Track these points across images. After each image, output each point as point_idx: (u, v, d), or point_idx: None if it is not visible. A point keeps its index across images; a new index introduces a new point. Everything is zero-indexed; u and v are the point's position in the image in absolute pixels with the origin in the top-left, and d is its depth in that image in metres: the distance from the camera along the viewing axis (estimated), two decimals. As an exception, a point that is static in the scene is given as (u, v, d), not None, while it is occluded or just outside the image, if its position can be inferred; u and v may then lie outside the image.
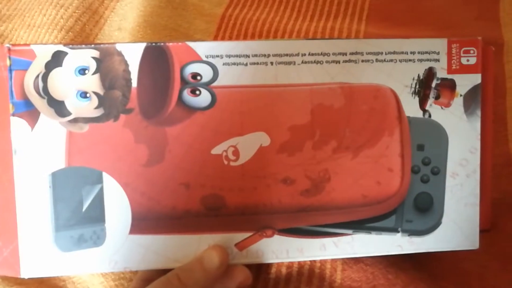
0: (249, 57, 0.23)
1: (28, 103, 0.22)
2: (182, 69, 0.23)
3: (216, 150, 0.23)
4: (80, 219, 0.23)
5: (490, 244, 0.28)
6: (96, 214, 0.23)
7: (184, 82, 0.23)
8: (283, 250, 0.24)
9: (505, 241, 0.28)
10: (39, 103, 0.22)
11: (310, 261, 0.27)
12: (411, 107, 0.25)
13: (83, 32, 0.38)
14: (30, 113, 0.22)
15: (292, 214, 0.24)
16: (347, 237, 0.25)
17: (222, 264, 0.22)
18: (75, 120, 0.23)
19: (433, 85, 0.25)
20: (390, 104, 0.24)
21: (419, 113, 0.25)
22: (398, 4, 0.39)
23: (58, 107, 0.23)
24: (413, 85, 0.25)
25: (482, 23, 0.37)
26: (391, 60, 0.24)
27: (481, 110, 0.25)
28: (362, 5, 0.39)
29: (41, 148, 0.23)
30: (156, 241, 0.23)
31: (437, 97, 0.25)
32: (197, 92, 0.23)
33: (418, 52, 0.24)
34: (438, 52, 0.24)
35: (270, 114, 0.24)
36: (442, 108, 0.25)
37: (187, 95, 0.23)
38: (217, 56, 0.23)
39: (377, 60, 0.24)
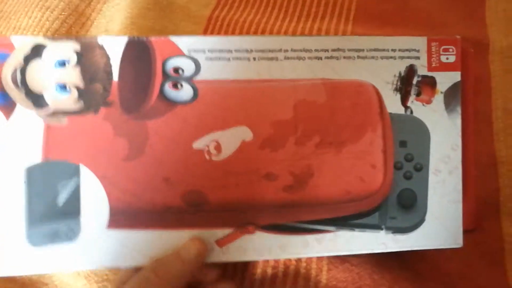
0: (231, 52, 0.23)
1: (5, 96, 0.22)
2: (164, 63, 0.23)
3: (198, 145, 0.23)
4: (55, 213, 0.22)
5: (474, 243, 0.28)
6: (71, 209, 0.22)
7: (166, 76, 0.23)
8: (265, 248, 0.24)
9: (490, 241, 0.28)
10: (16, 95, 0.22)
11: (296, 261, 0.27)
12: (393, 104, 0.25)
13: (69, 34, 0.38)
14: (6, 105, 0.22)
15: (274, 210, 0.24)
16: (330, 234, 0.24)
17: (199, 254, 0.22)
18: (54, 113, 0.22)
19: (414, 82, 0.25)
20: (372, 100, 0.25)
21: (401, 110, 0.25)
22: (385, 4, 0.39)
23: (36, 100, 0.22)
24: (395, 82, 0.25)
25: (468, 23, 0.37)
26: (373, 57, 0.24)
27: (461, 107, 0.25)
28: (349, 5, 0.39)
29: (17, 141, 0.22)
30: (135, 236, 0.23)
31: (418, 94, 0.25)
32: (179, 86, 0.23)
33: (399, 50, 0.25)
34: (418, 50, 0.25)
35: (253, 109, 0.24)
36: (423, 105, 0.25)
37: (168, 88, 0.23)
38: (200, 51, 0.23)
39: (358, 57, 0.24)
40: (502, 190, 0.30)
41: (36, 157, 0.22)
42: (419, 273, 0.27)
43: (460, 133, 0.25)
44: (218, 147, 0.23)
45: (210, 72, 0.23)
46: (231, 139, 0.23)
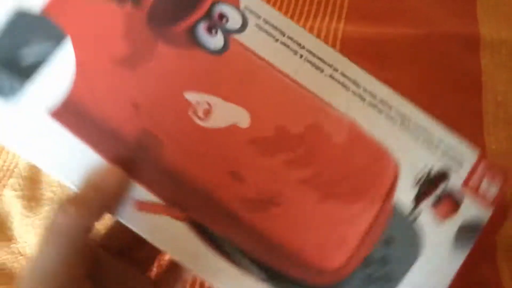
0: (284, 35, 0.21)
1: None
2: (213, 4, 0.21)
3: (190, 97, 0.20)
4: (8, 60, 0.19)
5: None
6: (26, 68, 0.19)
7: (207, 16, 0.21)
8: (179, 243, 0.20)
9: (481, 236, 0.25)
10: None
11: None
12: (405, 193, 0.21)
13: None
14: None
15: (217, 214, 0.20)
16: (253, 279, 0.20)
17: (121, 186, 0.19)
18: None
19: (439, 188, 0.21)
20: (386, 176, 0.21)
21: (409, 203, 0.21)
22: (377, 1, 0.40)
23: None
24: (421, 173, 0.21)
25: (459, 20, 0.38)
26: (415, 133, 0.21)
27: (470, 250, 0.21)
28: (341, 3, 0.40)
29: None
30: (72, 146, 0.19)
31: (435, 203, 0.21)
32: (213, 32, 0.21)
33: (446, 145, 0.21)
34: (465, 160, 0.21)
35: (267, 100, 0.20)
36: (434, 217, 0.21)
37: (202, 28, 0.20)
38: (256, 15, 0.21)
39: (402, 123, 0.21)
40: None
41: (36, 6, 0.20)
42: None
43: (452, 276, 0.21)
44: (207, 112, 0.20)
45: (251, 39, 0.21)
46: (225, 114, 0.20)
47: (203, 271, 0.20)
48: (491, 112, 0.33)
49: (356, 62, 0.22)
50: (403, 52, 0.37)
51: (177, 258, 0.20)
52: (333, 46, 0.38)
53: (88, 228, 0.18)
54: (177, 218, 0.20)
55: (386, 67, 0.36)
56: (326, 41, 0.39)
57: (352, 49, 0.38)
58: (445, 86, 0.35)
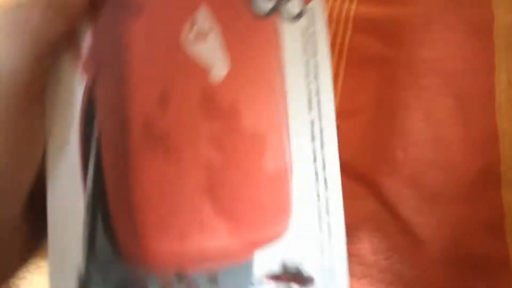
0: (316, 57, 0.20)
1: None
2: None
3: (201, 15, 0.19)
4: None
5: (474, 213, 0.27)
6: None
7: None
8: (63, 102, 0.17)
9: (490, 210, 0.28)
10: None
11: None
12: (260, 261, 0.19)
13: None
14: None
15: (116, 112, 0.18)
16: (83, 201, 0.17)
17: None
18: None
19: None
20: (267, 231, 0.19)
21: (256, 274, 0.19)
22: None
23: None
24: (287, 266, 0.20)
25: (472, 1, 0.37)
26: (323, 235, 0.20)
27: None
28: None
29: None
30: None
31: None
32: None
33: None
34: None
35: (248, 78, 0.19)
36: None
37: None
38: (312, 22, 0.20)
39: (325, 210, 0.20)
40: (503, 161, 0.29)
41: None
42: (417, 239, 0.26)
43: None
44: (198, 38, 0.19)
45: (288, 33, 0.20)
46: (211, 54, 0.19)
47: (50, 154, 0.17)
48: (504, 92, 0.33)
49: (338, 144, 0.21)
50: (415, 32, 0.36)
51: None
52: (346, 25, 0.38)
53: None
54: (82, 75, 0.18)
55: (397, 47, 0.36)
56: (338, 19, 0.38)
57: (364, 28, 0.37)
58: (457, 65, 0.35)
